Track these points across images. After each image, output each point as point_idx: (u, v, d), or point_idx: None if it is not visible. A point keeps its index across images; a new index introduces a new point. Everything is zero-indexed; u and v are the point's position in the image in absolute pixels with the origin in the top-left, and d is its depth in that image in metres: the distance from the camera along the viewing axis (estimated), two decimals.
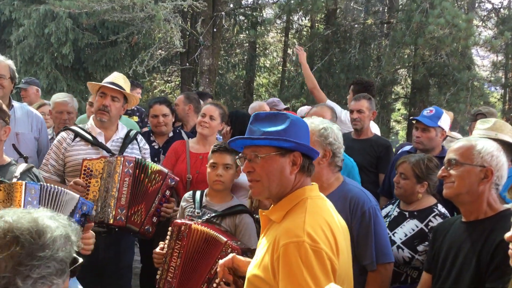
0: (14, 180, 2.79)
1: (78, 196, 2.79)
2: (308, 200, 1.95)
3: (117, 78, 3.73)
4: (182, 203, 3.44)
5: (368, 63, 11.70)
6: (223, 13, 11.00)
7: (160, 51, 12.75)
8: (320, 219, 1.88)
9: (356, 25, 12.32)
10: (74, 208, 2.67)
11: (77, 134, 3.59)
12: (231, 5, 13.29)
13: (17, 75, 3.81)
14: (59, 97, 4.87)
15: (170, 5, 10.18)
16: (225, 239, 2.90)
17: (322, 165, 2.67)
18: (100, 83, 3.69)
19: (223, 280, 2.45)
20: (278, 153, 1.94)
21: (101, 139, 3.62)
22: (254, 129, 1.99)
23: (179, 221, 3.14)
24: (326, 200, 2.06)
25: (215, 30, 11.48)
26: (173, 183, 3.58)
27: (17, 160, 3.11)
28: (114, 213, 3.28)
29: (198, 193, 3.43)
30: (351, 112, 4.59)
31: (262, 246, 1.99)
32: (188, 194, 3.48)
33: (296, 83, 12.39)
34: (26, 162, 3.17)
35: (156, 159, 4.31)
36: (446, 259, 2.50)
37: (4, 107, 2.91)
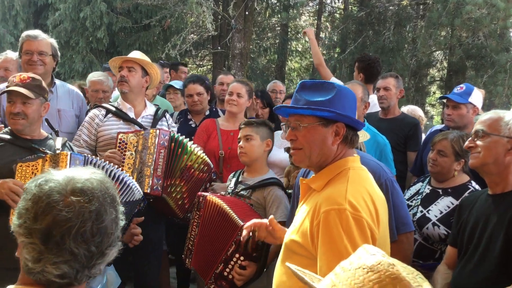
0: (57, 152, 2.92)
1: (116, 166, 2.92)
2: (350, 170, 1.95)
3: (133, 53, 3.84)
4: (227, 182, 3.54)
5: (402, 45, 11.47)
6: None
7: (192, 35, 12.83)
8: (361, 189, 1.89)
9: (390, 7, 12.06)
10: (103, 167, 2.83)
11: (108, 111, 3.69)
12: None
13: (59, 53, 3.93)
14: (94, 76, 4.99)
15: None
16: (241, 223, 2.85)
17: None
18: (117, 57, 3.80)
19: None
20: (321, 123, 1.95)
21: (131, 114, 3.71)
22: (299, 97, 2.00)
23: (200, 193, 3.24)
24: (367, 172, 2.06)
25: (247, 13, 11.47)
26: (215, 177, 3.69)
27: (51, 134, 3.24)
28: (151, 183, 3.35)
29: (239, 171, 3.53)
30: (378, 90, 4.55)
31: (301, 212, 2.00)
32: (232, 174, 3.58)
33: (329, 67, 12.24)
34: (57, 135, 3.30)
35: (192, 137, 4.38)
36: (473, 233, 2.50)
37: (44, 84, 3.02)
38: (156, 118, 3.78)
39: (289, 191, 3.42)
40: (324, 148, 1.96)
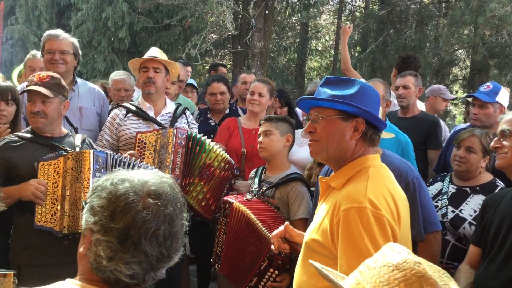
0: (77, 149, 2.95)
1: (138, 158, 2.94)
2: (371, 168, 1.92)
3: (153, 51, 3.85)
4: (249, 181, 3.54)
5: (424, 43, 11.33)
6: None
7: (212, 34, 12.87)
8: (382, 187, 1.86)
9: (412, 5, 11.92)
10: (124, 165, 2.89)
11: (128, 110, 3.72)
12: None
13: (80, 52, 3.97)
14: (117, 75, 5.05)
15: None
16: (269, 235, 2.77)
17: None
18: (139, 58, 3.81)
19: (279, 253, 2.50)
20: (340, 116, 1.93)
21: (151, 113, 3.73)
22: (322, 91, 1.99)
23: (226, 198, 3.22)
24: (388, 170, 2.03)
25: (267, 12, 11.45)
26: (238, 172, 3.69)
27: (70, 131, 3.28)
28: None
29: (260, 168, 3.51)
30: (397, 88, 4.51)
31: (321, 211, 1.98)
32: (253, 171, 3.57)
33: None
34: (76, 132, 3.33)
35: (212, 135, 4.40)
36: (498, 232, 2.45)
37: (63, 82, 3.04)
38: (175, 116, 3.80)
39: (312, 189, 3.41)
40: (341, 142, 1.93)
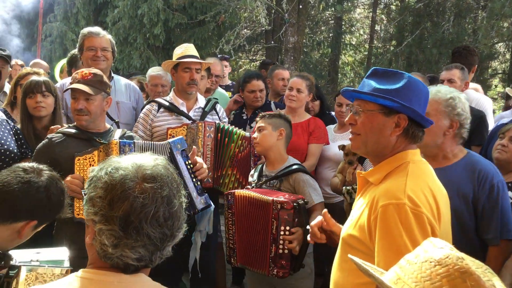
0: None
1: (167, 141, 2.98)
2: (410, 164, 1.88)
3: (190, 49, 3.85)
4: (250, 178, 3.58)
5: (462, 37, 11.03)
6: None
7: (245, 30, 12.89)
8: (422, 183, 1.82)
9: None
10: (170, 151, 2.92)
11: (161, 105, 3.77)
12: None
13: (116, 49, 4.06)
14: (154, 71, 5.11)
15: None
16: (270, 198, 3.00)
17: (448, 135, 2.60)
18: (184, 60, 3.76)
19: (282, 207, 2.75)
20: (382, 111, 1.89)
21: (183, 109, 3.79)
22: (366, 83, 1.96)
23: (227, 192, 3.30)
24: (429, 165, 1.99)
25: (300, 7, 11.39)
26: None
27: (112, 125, 3.36)
28: None
29: (260, 165, 3.57)
30: (442, 82, 4.40)
31: (358, 206, 1.97)
32: (254, 169, 3.61)
33: (384, 60, 12.01)
34: (118, 126, 3.40)
35: (242, 129, 4.42)
36: None
37: (105, 79, 3.11)
38: (205, 111, 3.84)
39: (347, 187, 3.38)
40: (381, 137, 1.90)
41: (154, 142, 3.06)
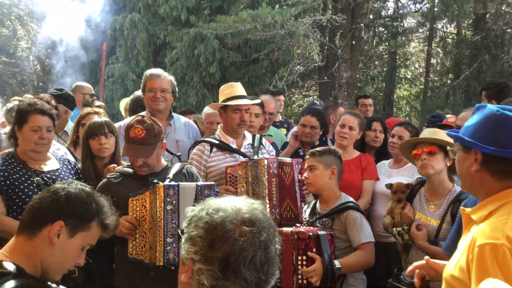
0: (167, 181, 3.08)
1: (194, 184, 3.01)
2: None
3: (238, 88, 3.86)
4: (303, 214, 3.55)
5: None
6: (362, 25, 10.89)
7: (299, 66, 13.03)
8: None
9: (508, 29, 11.31)
10: (196, 194, 2.97)
11: (213, 145, 3.80)
12: (371, 17, 13.11)
13: (177, 90, 4.21)
14: (209, 109, 5.24)
15: (309, 21, 10.39)
16: (290, 229, 3.04)
17: None
18: (234, 103, 3.75)
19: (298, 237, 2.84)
20: (462, 148, 1.94)
21: (234, 146, 3.82)
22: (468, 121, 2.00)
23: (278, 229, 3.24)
24: None
25: (353, 42, 11.43)
26: (300, 165, 3.68)
27: (171, 160, 3.41)
28: (269, 213, 3.39)
29: (312, 202, 3.53)
30: None
31: (461, 246, 1.92)
32: (306, 206, 3.57)
33: (441, 93, 11.75)
34: (179, 160, 3.46)
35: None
36: None
37: (157, 127, 3.11)
38: (256, 147, 3.87)
39: (397, 228, 3.28)
40: (464, 174, 1.95)
41: (190, 184, 3.08)
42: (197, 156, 3.77)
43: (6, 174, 3.02)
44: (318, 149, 3.49)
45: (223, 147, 3.79)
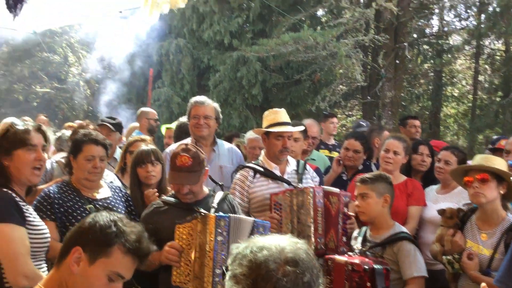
0: (212, 211, 3.11)
1: (252, 219, 3.00)
2: None
3: (282, 115, 3.86)
4: (352, 241, 3.48)
5: None
6: (405, 44, 10.77)
7: (341, 86, 12.97)
8: None
9: None
10: (251, 230, 2.96)
11: (256, 171, 3.80)
12: (414, 35, 12.94)
13: (221, 116, 4.28)
14: (252, 134, 5.29)
15: (351, 41, 10.38)
16: (344, 259, 3.01)
17: None
18: (275, 131, 3.75)
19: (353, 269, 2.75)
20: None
21: (277, 173, 3.80)
22: None
23: (328, 256, 3.21)
24: None
25: (397, 61, 11.29)
26: (347, 199, 3.62)
27: (214, 189, 3.44)
28: (315, 242, 3.39)
29: (364, 228, 3.45)
30: None
31: None
32: (356, 231, 3.51)
33: (490, 112, 11.40)
34: (222, 189, 3.50)
35: (342, 190, 4.39)
36: None
37: (201, 154, 3.16)
38: (300, 173, 3.85)
39: (447, 257, 3.19)
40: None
41: (245, 218, 3.09)
42: (240, 181, 3.78)
43: (61, 201, 3.15)
44: (368, 175, 3.40)
45: (267, 174, 3.80)
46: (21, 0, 2.13)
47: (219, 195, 3.30)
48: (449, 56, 12.33)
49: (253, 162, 4.01)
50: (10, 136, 2.63)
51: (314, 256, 1.48)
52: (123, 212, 3.37)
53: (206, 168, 3.25)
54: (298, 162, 3.97)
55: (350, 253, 3.23)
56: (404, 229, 3.36)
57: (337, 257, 3.15)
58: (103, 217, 1.86)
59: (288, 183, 3.76)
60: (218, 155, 4.22)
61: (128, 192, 3.67)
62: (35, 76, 18.25)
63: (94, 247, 1.80)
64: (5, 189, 2.54)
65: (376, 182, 3.32)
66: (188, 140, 4.18)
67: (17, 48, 17.83)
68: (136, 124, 6.75)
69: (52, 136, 6.04)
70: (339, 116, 17.24)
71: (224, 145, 4.40)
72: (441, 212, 3.42)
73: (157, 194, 3.52)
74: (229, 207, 3.27)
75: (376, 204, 3.29)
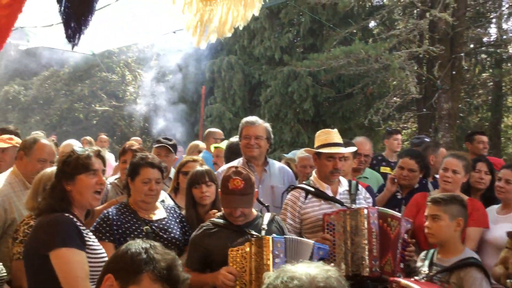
0: (263, 232, 3.11)
1: (312, 242, 2.97)
2: None
3: (334, 136, 3.80)
4: (419, 263, 3.35)
5: None
6: (462, 54, 10.45)
7: (395, 98, 12.72)
8: None
9: None
10: (311, 253, 2.93)
11: (308, 192, 3.76)
12: (471, 45, 12.53)
13: (272, 136, 4.31)
14: (303, 153, 5.27)
15: (405, 53, 10.18)
16: (410, 284, 2.85)
17: None
18: (326, 151, 3.71)
19: None
20: None
21: (329, 193, 3.75)
22: None
23: (393, 278, 3.09)
24: None
25: (454, 72, 10.96)
26: (409, 225, 3.50)
27: (261, 210, 3.45)
28: (369, 265, 3.33)
29: (431, 251, 3.32)
30: None
31: None
32: (423, 253, 3.38)
33: None
34: (268, 210, 3.50)
35: (397, 209, 4.28)
36: None
37: (252, 177, 3.18)
38: (352, 194, 3.79)
39: (511, 281, 3.04)
40: None
41: (302, 240, 3.08)
42: (292, 202, 3.76)
43: (119, 223, 3.26)
44: (442, 196, 3.25)
45: (319, 194, 3.77)
46: (80, 30, 2.23)
47: (267, 216, 3.30)
48: (509, 65, 11.83)
49: (304, 182, 3.98)
50: (73, 161, 2.74)
51: (346, 282, 1.46)
52: (178, 232, 3.44)
53: (256, 189, 3.28)
54: (350, 182, 3.92)
55: (416, 277, 3.12)
56: (475, 255, 3.21)
57: (403, 280, 3.05)
58: (136, 244, 1.87)
59: (341, 203, 3.71)
60: (270, 175, 4.23)
61: (183, 212, 3.75)
62: (95, 95, 19.04)
63: (124, 275, 1.80)
64: (66, 214, 2.66)
65: (450, 204, 3.16)
66: (239, 161, 4.24)
67: (77, 69, 18.74)
68: (198, 142, 6.88)
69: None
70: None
71: (275, 165, 4.41)
72: (510, 234, 3.26)
73: (217, 213, 3.58)
74: (278, 228, 3.27)
75: (448, 227, 3.13)
